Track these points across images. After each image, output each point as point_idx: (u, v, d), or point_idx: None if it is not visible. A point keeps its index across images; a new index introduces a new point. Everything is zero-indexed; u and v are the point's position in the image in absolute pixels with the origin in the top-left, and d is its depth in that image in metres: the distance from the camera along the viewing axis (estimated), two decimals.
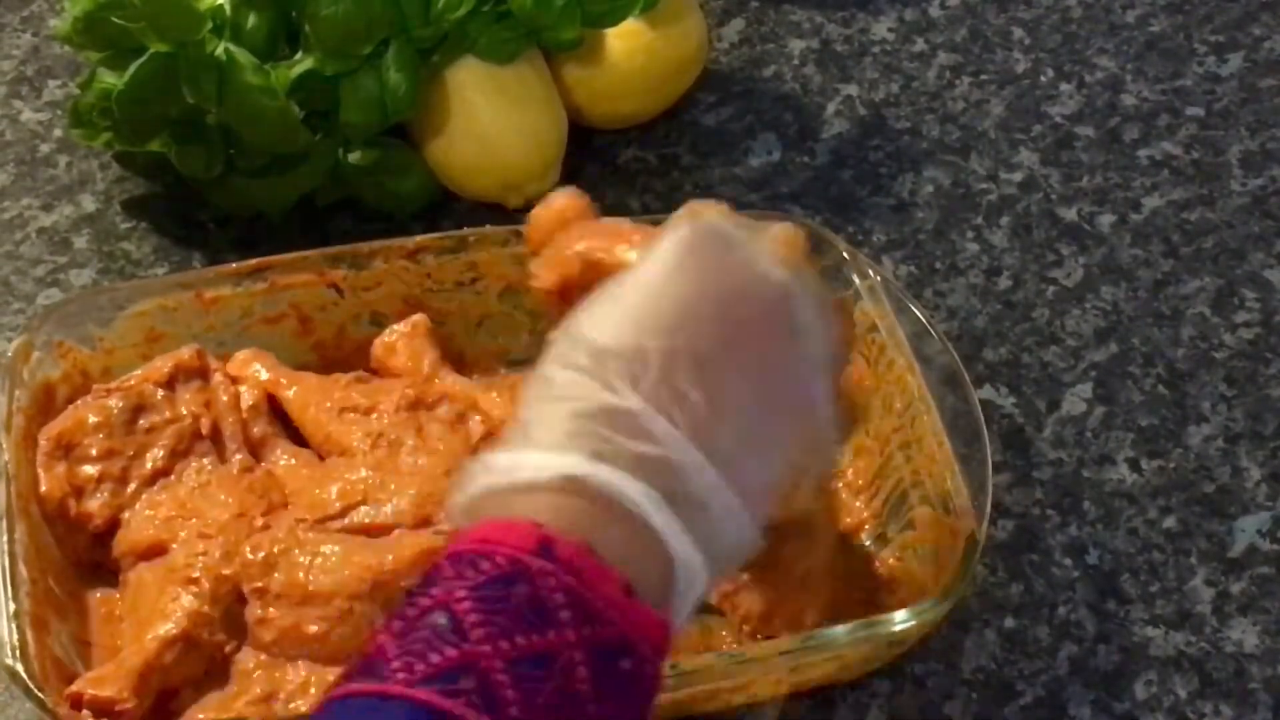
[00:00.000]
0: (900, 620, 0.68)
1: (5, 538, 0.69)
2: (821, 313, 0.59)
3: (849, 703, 0.74)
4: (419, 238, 0.82)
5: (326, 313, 0.81)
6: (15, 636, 0.66)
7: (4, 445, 0.72)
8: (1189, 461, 0.83)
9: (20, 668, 0.65)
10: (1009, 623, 0.77)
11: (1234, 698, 0.74)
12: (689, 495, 0.53)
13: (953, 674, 0.75)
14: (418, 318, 0.80)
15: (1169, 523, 0.81)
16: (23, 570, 0.68)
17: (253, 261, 0.80)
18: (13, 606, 0.67)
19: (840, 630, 0.69)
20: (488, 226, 0.83)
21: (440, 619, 0.48)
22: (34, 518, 0.72)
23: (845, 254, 0.82)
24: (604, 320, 0.56)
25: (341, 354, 0.82)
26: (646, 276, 0.57)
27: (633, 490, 0.51)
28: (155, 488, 0.74)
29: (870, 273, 0.81)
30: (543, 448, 0.53)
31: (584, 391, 0.54)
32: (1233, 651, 0.76)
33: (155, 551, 0.73)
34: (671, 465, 0.53)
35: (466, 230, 0.83)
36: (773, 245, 0.60)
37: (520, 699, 0.47)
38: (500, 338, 0.83)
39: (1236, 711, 0.74)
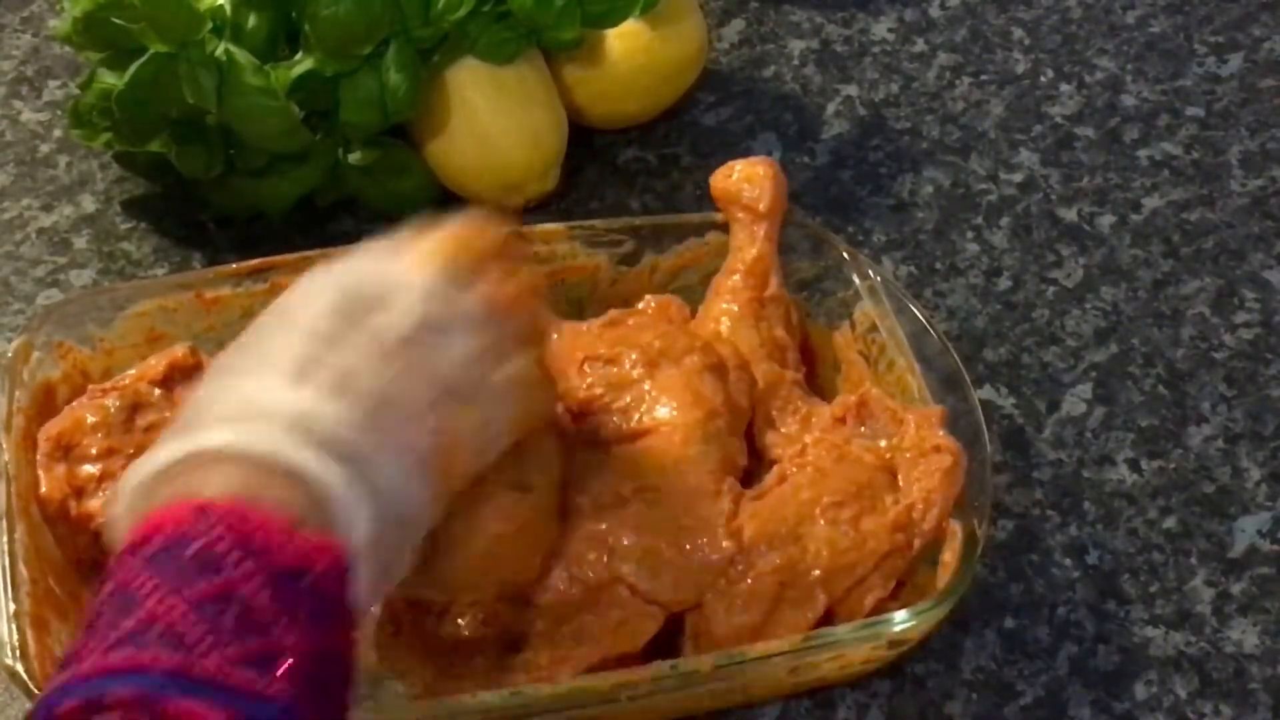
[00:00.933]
0: (901, 620, 0.68)
1: (5, 538, 0.69)
2: (456, 298, 0.63)
3: (849, 703, 0.74)
4: None
5: None
6: (15, 637, 0.66)
7: (4, 446, 0.72)
8: (1189, 461, 0.83)
9: (20, 668, 0.65)
10: (1009, 623, 0.77)
11: (1234, 698, 0.74)
12: (326, 439, 0.56)
13: (953, 674, 0.75)
14: None
15: (1169, 523, 0.81)
16: (23, 570, 0.68)
17: (253, 262, 0.80)
18: (13, 607, 0.66)
19: (841, 630, 0.69)
20: None
21: (120, 600, 0.51)
22: (34, 518, 0.71)
23: (845, 254, 0.82)
24: (236, 345, 0.61)
25: None
26: (276, 303, 0.63)
27: (272, 441, 0.55)
28: None
29: (870, 273, 0.81)
30: (177, 437, 0.56)
31: (219, 390, 0.59)
32: (1233, 651, 0.76)
33: None
34: (308, 423, 0.56)
35: None
36: (416, 254, 0.64)
37: (206, 632, 0.49)
38: None
39: (1236, 711, 0.74)
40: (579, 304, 0.83)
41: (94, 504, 0.74)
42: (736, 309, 0.80)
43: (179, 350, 0.77)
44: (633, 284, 0.84)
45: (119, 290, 0.80)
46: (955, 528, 0.72)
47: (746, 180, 0.82)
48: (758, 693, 0.72)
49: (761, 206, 0.81)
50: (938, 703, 0.74)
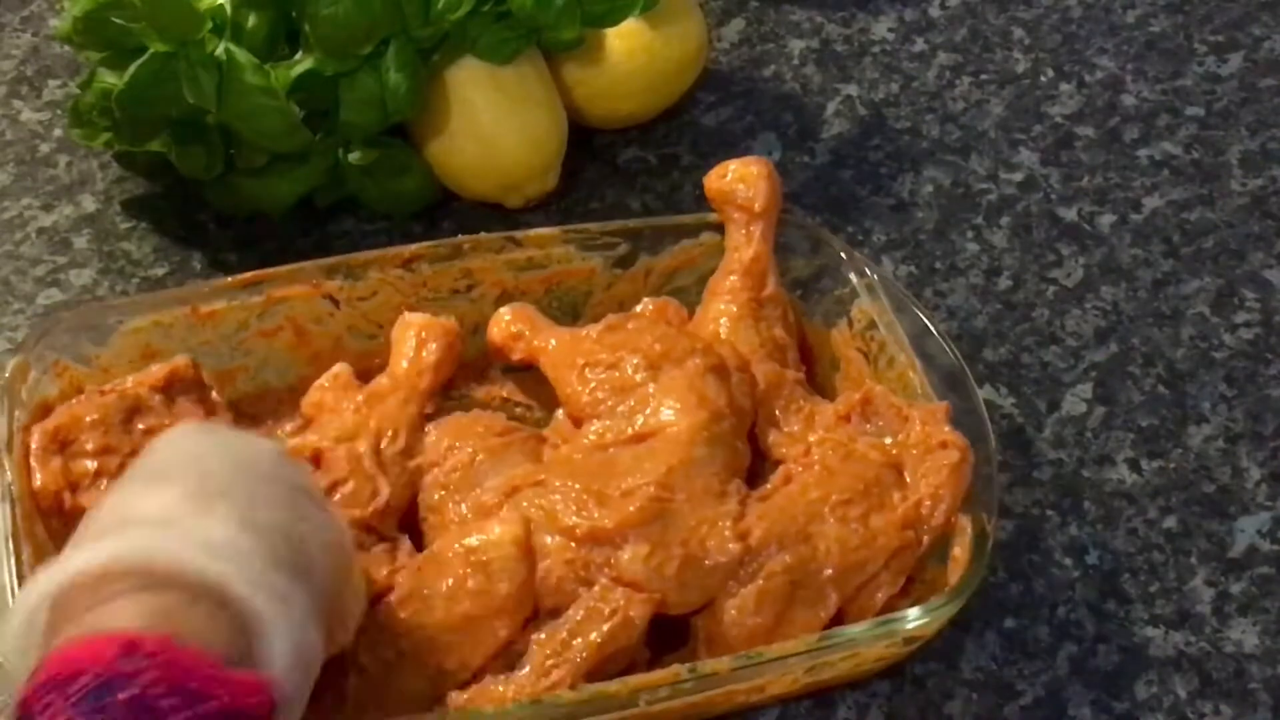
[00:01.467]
0: (915, 617, 0.69)
1: (12, 560, 0.68)
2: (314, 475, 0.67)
3: (849, 703, 0.74)
4: (413, 246, 0.81)
5: (323, 324, 0.81)
6: None
7: (6, 466, 0.71)
8: (1189, 461, 0.83)
9: None
10: (1009, 623, 0.77)
11: (1234, 698, 0.74)
12: (248, 568, 0.55)
13: (953, 674, 0.75)
14: (339, 368, 0.78)
15: (1169, 523, 0.81)
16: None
17: (247, 275, 0.80)
18: None
19: (857, 629, 0.69)
20: (482, 233, 0.83)
21: None
22: (40, 538, 0.71)
23: (842, 252, 0.82)
24: (128, 480, 0.60)
25: None
26: (152, 455, 0.62)
27: (197, 557, 0.53)
28: None
29: (868, 271, 0.81)
30: (88, 545, 0.54)
31: (121, 512, 0.57)
32: (1233, 651, 0.76)
33: None
34: (224, 547, 0.55)
35: (461, 238, 0.82)
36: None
37: None
38: None
39: (1236, 711, 0.74)
40: (574, 308, 0.83)
41: (89, 498, 0.73)
42: (735, 309, 0.80)
43: (180, 360, 0.77)
44: (628, 287, 0.84)
45: (113, 307, 0.80)
46: (965, 523, 0.72)
47: (741, 180, 0.82)
48: (772, 693, 0.72)
49: (756, 206, 0.81)
50: (938, 703, 0.74)
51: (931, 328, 0.78)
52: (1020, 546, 0.80)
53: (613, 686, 0.66)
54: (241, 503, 0.57)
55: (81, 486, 0.74)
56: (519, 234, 0.82)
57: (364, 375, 0.80)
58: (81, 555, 0.54)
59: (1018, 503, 0.81)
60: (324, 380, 0.78)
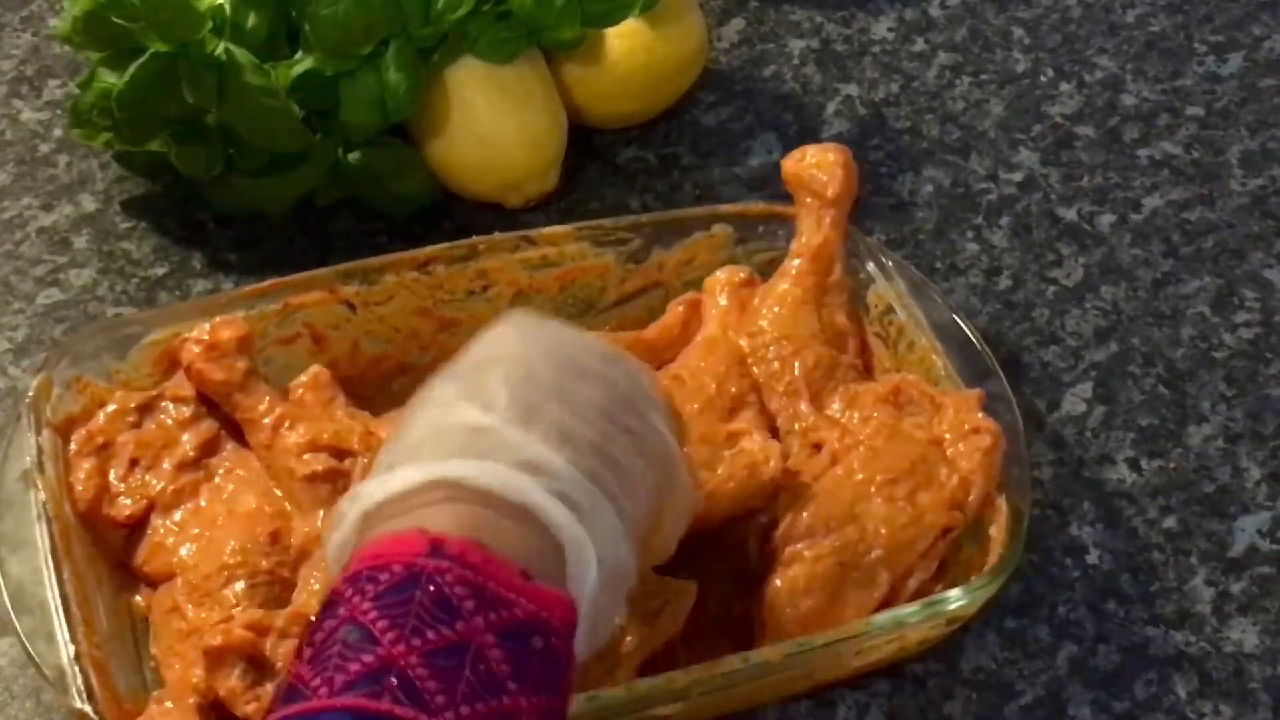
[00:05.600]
0: (956, 598, 0.69)
1: (54, 578, 0.68)
2: (646, 371, 0.64)
3: (849, 703, 0.74)
4: (429, 249, 0.81)
5: (340, 330, 0.80)
6: (80, 679, 0.65)
7: (40, 486, 0.71)
8: (1189, 461, 0.83)
9: (90, 709, 0.64)
10: (1009, 623, 0.77)
11: (1234, 698, 0.74)
12: (561, 489, 0.55)
13: (953, 674, 0.75)
14: (315, 369, 0.78)
15: (1169, 523, 0.81)
16: (76, 611, 0.68)
17: (265, 283, 0.80)
18: (73, 649, 0.66)
19: (904, 611, 0.70)
20: (496, 234, 0.82)
21: (350, 633, 0.49)
22: (78, 560, 0.71)
23: (859, 242, 0.83)
24: (450, 378, 0.59)
25: (356, 370, 0.81)
26: (478, 349, 0.61)
27: (510, 477, 0.54)
28: (181, 510, 0.74)
29: (883, 257, 0.82)
30: (411, 463, 0.55)
31: (439, 419, 0.57)
32: (1233, 651, 0.76)
33: (182, 569, 0.73)
34: (539, 465, 0.55)
35: (476, 239, 0.82)
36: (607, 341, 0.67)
37: (442, 688, 0.48)
38: None
39: (1236, 711, 0.74)
40: (589, 304, 0.84)
41: (125, 505, 0.74)
42: (799, 293, 0.80)
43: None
44: (641, 281, 0.84)
45: (133, 321, 0.80)
46: (1000, 503, 0.73)
47: (817, 166, 0.81)
48: (824, 678, 0.73)
49: (830, 192, 0.81)
50: (938, 703, 0.74)
51: (951, 310, 0.79)
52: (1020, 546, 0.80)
53: (668, 681, 0.66)
54: (562, 412, 0.57)
55: (118, 492, 0.74)
56: (533, 233, 0.82)
57: (380, 379, 0.80)
58: (400, 474, 0.54)
59: None
60: (303, 378, 0.77)
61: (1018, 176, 0.97)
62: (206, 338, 0.76)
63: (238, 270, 0.90)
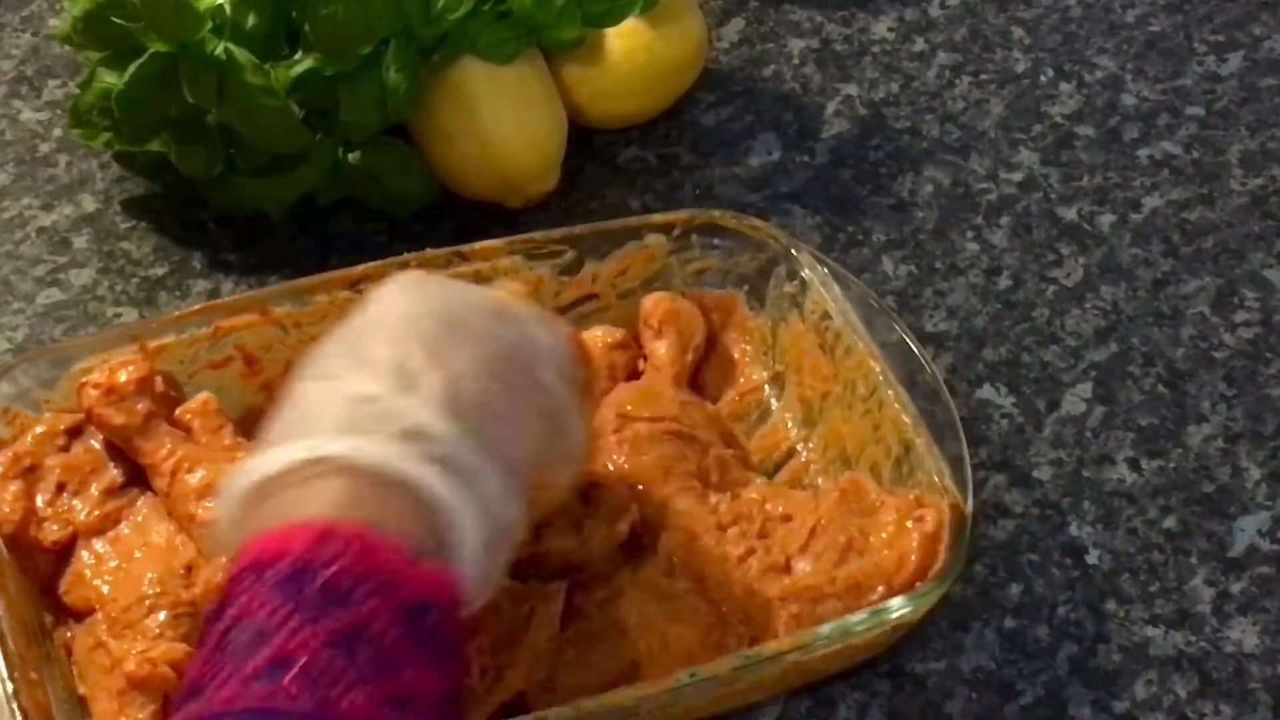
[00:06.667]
0: (899, 606, 0.69)
1: None
2: (543, 321, 0.65)
3: (849, 702, 0.74)
4: (359, 268, 0.80)
5: (272, 352, 0.79)
6: (20, 718, 0.64)
7: None
8: (1189, 461, 0.83)
9: None
10: (1009, 623, 0.77)
11: (1234, 698, 0.74)
12: (443, 456, 0.56)
13: (953, 674, 0.75)
14: (204, 396, 0.76)
15: (1169, 523, 0.81)
16: (12, 645, 0.66)
17: (195, 308, 0.79)
18: (10, 687, 0.65)
19: (850, 620, 0.69)
20: (428, 250, 0.81)
21: (247, 629, 0.50)
22: (11, 593, 0.70)
23: (791, 248, 0.82)
24: (332, 345, 0.61)
25: None
26: (366, 312, 0.62)
27: (391, 452, 0.55)
28: (103, 540, 0.73)
29: (815, 262, 0.81)
30: (297, 439, 0.56)
31: (324, 392, 0.58)
32: (1233, 651, 0.76)
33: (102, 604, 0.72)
34: (422, 431, 0.56)
35: (406, 255, 0.81)
36: (502, 290, 0.66)
37: (340, 675, 0.49)
38: None
39: (1236, 711, 0.74)
40: None
41: (53, 530, 0.73)
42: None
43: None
44: (574, 293, 0.83)
45: (58, 349, 0.79)
46: (943, 507, 0.72)
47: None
48: (778, 688, 0.73)
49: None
50: (938, 703, 0.74)
51: (881, 308, 0.79)
52: (1020, 546, 0.80)
53: (616, 697, 0.66)
54: (446, 374, 0.58)
55: (44, 516, 0.73)
56: (465, 248, 0.81)
57: None
58: (284, 451, 0.55)
59: (1018, 502, 0.81)
60: (192, 404, 0.76)
61: (1018, 176, 0.97)
62: (104, 380, 0.74)
63: (238, 270, 0.90)
